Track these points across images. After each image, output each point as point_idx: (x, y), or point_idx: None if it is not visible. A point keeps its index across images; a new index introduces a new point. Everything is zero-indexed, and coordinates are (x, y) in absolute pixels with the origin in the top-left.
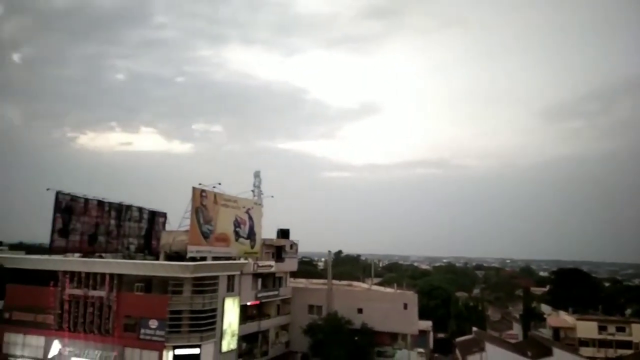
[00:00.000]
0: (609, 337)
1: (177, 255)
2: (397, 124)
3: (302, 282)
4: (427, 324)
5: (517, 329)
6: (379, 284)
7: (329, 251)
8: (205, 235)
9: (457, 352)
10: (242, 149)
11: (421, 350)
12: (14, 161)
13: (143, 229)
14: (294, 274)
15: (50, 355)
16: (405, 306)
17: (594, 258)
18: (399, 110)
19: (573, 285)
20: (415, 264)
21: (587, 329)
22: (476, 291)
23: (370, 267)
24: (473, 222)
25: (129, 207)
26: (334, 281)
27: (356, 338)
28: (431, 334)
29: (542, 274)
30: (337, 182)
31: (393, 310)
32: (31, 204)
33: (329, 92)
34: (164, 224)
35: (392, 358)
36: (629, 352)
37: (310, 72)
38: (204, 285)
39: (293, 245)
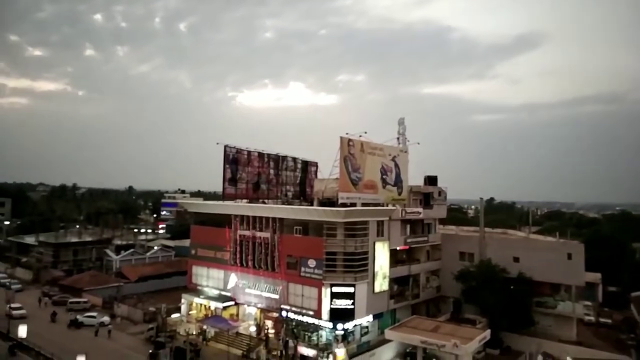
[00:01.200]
0: None
1: (329, 202)
2: (560, 57)
3: (451, 229)
4: (595, 276)
5: None
6: (538, 232)
7: (481, 198)
8: (354, 183)
9: (633, 307)
10: (386, 96)
11: (588, 303)
12: (188, 120)
13: (298, 177)
14: (442, 221)
15: (228, 287)
16: (570, 256)
17: None
18: (563, 41)
19: None
20: (581, 212)
21: None
22: None
23: (527, 214)
24: None
25: (284, 158)
26: (487, 229)
27: (512, 287)
28: (600, 286)
29: None
30: (489, 125)
31: (555, 260)
32: (204, 157)
33: (477, 29)
34: (315, 172)
35: (553, 309)
36: None
37: (455, 9)
38: (355, 230)
39: (441, 192)
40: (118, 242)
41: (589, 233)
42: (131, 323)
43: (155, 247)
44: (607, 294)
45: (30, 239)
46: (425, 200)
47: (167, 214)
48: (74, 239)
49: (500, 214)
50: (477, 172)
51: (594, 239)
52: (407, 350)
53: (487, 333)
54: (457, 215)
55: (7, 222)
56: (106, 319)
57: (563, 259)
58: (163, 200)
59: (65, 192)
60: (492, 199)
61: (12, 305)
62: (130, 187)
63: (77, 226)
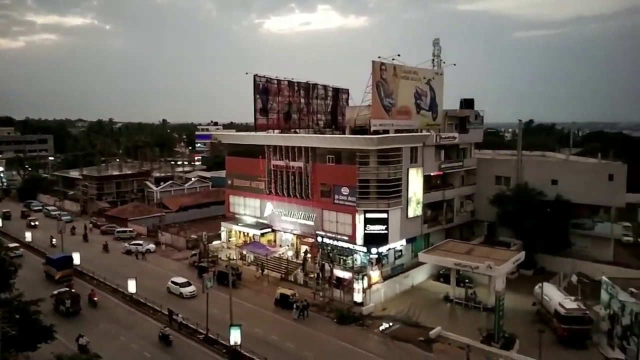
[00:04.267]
0: None
1: (361, 129)
2: None
3: (488, 153)
4: (636, 197)
5: None
6: (578, 154)
7: (519, 120)
8: (387, 109)
9: None
10: (420, 16)
11: (627, 224)
12: (217, 50)
13: (329, 105)
14: (479, 145)
15: (265, 214)
16: (611, 177)
17: None
18: None
19: None
20: (625, 131)
21: None
22: None
23: (568, 136)
24: None
25: (315, 86)
26: (525, 152)
27: (548, 209)
28: None
29: None
30: (532, 43)
31: (595, 182)
32: (235, 88)
33: None
34: (347, 100)
35: (590, 230)
36: None
37: None
38: (388, 157)
39: (478, 116)
40: (157, 174)
41: (633, 153)
42: (175, 250)
43: (193, 179)
44: None
45: (74, 173)
46: (461, 124)
47: (202, 146)
48: (116, 172)
49: (539, 136)
50: (516, 93)
51: (638, 159)
52: (441, 272)
53: (522, 255)
54: (493, 139)
55: (51, 158)
56: (152, 246)
57: (603, 181)
58: (197, 133)
59: (103, 127)
60: (531, 121)
61: (175, 279)
62: (164, 121)
63: (117, 160)
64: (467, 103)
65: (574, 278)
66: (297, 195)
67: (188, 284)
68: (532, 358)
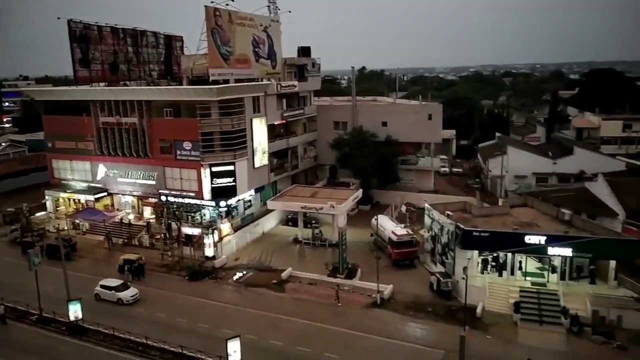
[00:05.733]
0: (633, 135)
1: (200, 80)
2: None
3: (326, 100)
4: (450, 133)
5: (540, 132)
6: (404, 97)
7: (352, 67)
8: (225, 58)
9: (479, 156)
10: None
11: (444, 156)
12: None
13: (162, 54)
14: (317, 93)
15: (98, 177)
16: (430, 117)
17: (630, 57)
18: None
19: (603, 86)
20: (441, 75)
21: (611, 128)
22: (502, 99)
23: (395, 81)
24: (502, 27)
25: (143, 33)
26: (359, 97)
27: (381, 149)
28: (454, 141)
29: (573, 76)
30: None
31: (417, 122)
32: (47, 37)
33: None
34: (182, 48)
35: (415, 165)
36: None
37: None
38: (231, 108)
39: (315, 64)
40: None
41: (446, 94)
42: None
43: (3, 144)
44: (459, 148)
45: None
46: (300, 72)
47: (11, 105)
48: None
49: (371, 82)
50: (350, 41)
51: (451, 99)
52: (289, 217)
53: (359, 192)
54: (331, 86)
55: None
56: None
57: (424, 120)
58: (2, 90)
59: None
60: (363, 68)
61: (106, 282)
62: None
63: None
64: (304, 51)
65: (403, 208)
66: (134, 153)
67: (125, 286)
68: (371, 282)
